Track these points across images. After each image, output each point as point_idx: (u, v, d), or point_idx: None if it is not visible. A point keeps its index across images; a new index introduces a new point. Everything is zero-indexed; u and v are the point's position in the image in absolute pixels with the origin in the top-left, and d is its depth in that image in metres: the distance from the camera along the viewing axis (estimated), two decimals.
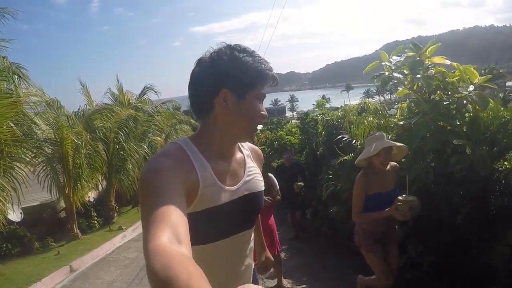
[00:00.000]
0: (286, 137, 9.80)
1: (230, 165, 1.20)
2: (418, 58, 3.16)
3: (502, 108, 3.05)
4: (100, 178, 10.67)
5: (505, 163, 2.96)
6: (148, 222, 0.79)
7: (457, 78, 3.18)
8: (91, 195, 11.18)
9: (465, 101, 3.06)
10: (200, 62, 1.14)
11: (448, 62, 3.14)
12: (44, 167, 8.07)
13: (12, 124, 5.69)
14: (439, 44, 3.27)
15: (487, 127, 3.07)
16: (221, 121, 1.13)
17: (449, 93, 3.23)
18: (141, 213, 0.87)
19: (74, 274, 6.01)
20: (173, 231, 0.75)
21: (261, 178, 1.31)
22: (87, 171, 8.70)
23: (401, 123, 3.57)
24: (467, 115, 3.15)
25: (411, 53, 3.24)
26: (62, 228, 9.29)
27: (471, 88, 3.03)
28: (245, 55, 1.11)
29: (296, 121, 9.05)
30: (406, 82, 3.37)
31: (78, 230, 8.82)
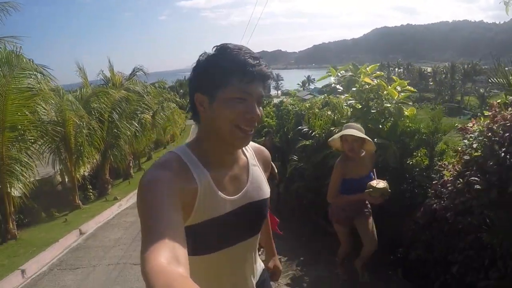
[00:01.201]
0: (266, 119, 10.76)
1: (232, 171, 1.13)
2: (353, 78, 4.31)
3: (408, 121, 4.05)
4: (94, 154, 11.61)
5: (417, 158, 4.02)
6: (146, 238, 0.78)
7: (386, 92, 4.32)
8: (86, 170, 12.15)
9: (392, 110, 4.23)
10: None
11: (375, 82, 4.27)
12: (49, 145, 8.88)
13: (27, 112, 6.54)
14: (378, 64, 4.42)
15: (403, 132, 4.07)
16: (207, 127, 1.07)
17: (379, 103, 4.40)
18: (141, 225, 0.86)
19: (85, 235, 6.95)
20: (171, 251, 0.73)
21: (266, 184, 1.23)
22: (88, 148, 9.63)
23: (344, 122, 4.74)
24: (390, 120, 4.31)
25: (350, 73, 4.39)
26: (61, 200, 10.14)
27: (394, 102, 4.20)
28: (219, 53, 1.02)
29: (273, 108, 10.04)
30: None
31: (79, 201, 9.83)
